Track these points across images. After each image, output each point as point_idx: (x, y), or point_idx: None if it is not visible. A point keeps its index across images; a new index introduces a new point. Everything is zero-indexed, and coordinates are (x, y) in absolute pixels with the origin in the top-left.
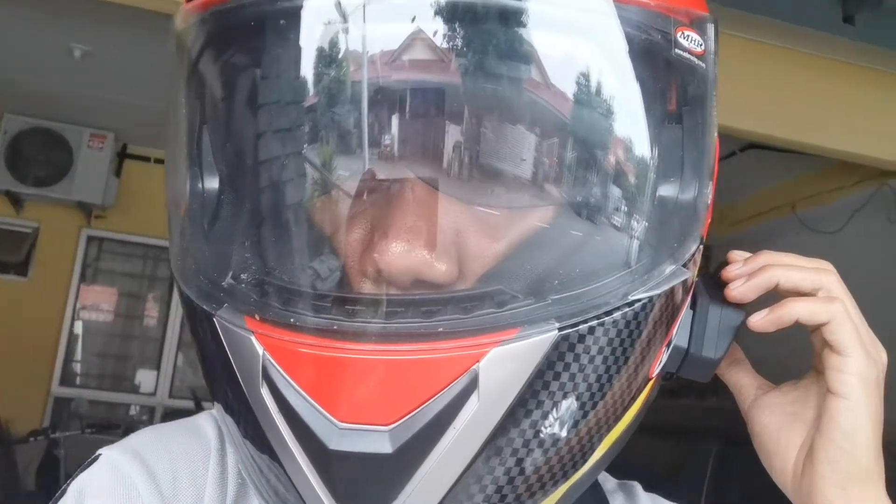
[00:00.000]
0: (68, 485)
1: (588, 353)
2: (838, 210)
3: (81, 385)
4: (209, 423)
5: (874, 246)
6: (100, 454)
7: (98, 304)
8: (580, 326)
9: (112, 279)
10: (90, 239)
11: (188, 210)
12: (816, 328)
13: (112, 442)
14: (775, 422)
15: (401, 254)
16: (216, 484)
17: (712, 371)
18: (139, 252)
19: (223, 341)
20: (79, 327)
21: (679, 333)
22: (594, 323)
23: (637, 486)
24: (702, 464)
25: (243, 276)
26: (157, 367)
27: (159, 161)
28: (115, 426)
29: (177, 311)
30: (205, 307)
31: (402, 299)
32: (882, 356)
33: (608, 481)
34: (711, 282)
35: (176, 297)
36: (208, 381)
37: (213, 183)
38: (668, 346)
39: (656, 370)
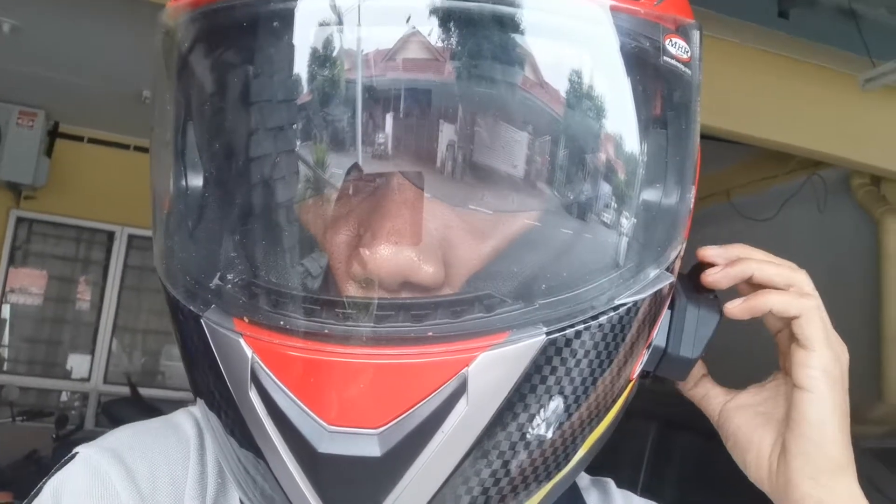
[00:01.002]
0: (44, 483)
1: (575, 356)
2: (771, 198)
3: (10, 371)
4: (188, 421)
5: (804, 233)
6: (76, 452)
7: (27, 287)
8: (567, 331)
9: (42, 262)
10: (19, 220)
11: (174, 208)
12: (784, 327)
13: (44, 430)
14: (746, 423)
15: (388, 256)
16: (196, 483)
17: (689, 370)
18: (71, 234)
19: (210, 343)
20: (6, 311)
21: (657, 334)
22: (581, 327)
23: (610, 483)
24: (640, 447)
25: (230, 277)
26: (91, 353)
27: (93, 141)
28: (48, 413)
29: (111, 295)
30: (192, 308)
31: (392, 303)
32: (845, 354)
33: (582, 478)
34: (688, 281)
35: (111, 280)
36: (193, 380)
37: (199, 181)
38: (649, 347)
39: (637, 371)
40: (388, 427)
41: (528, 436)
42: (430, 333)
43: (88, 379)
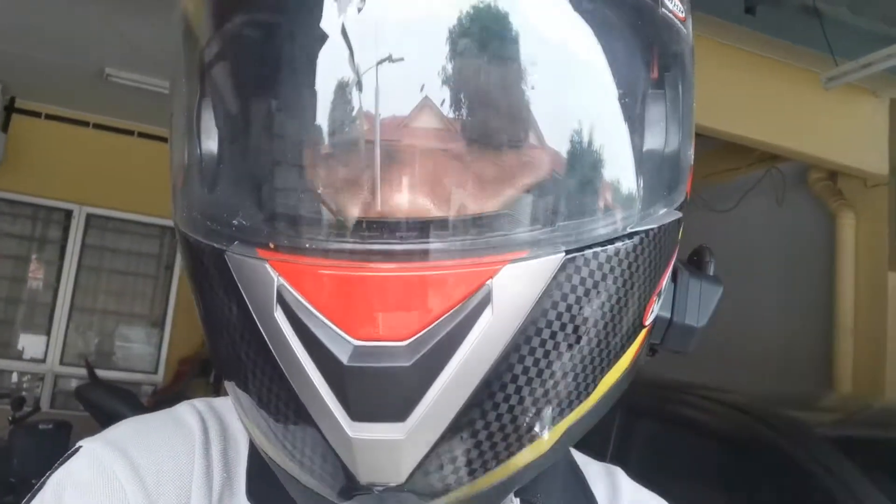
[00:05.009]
0: (47, 478)
1: (592, 277)
2: (731, 190)
3: None
4: (192, 415)
5: (763, 225)
6: (80, 447)
7: None
8: (585, 251)
9: None
10: None
11: (193, 160)
12: None
13: None
14: None
15: (408, 190)
16: (202, 477)
17: (693, 340)
18: (27, 212)
19: (234, 276)
20: None
21: (663, 305)
22: (598, 249)
23: (620, 474)
24: (605, 432)
25: (252, 214)
26: (47, 333)
27: (51, 117)
28: (3, 395)
29: (69, 275)
30: (216, 246)
31: (417, 221)
32: None
33: (591, 464)
34: (690, 263)
35: (69, 260)
36: (210, 322)
37: (219, 132)
38: (659, 296)
39: (648, 319)
40: (415, 338)
41: (550, 354)
42: (456, 248)
43: (44, 360)
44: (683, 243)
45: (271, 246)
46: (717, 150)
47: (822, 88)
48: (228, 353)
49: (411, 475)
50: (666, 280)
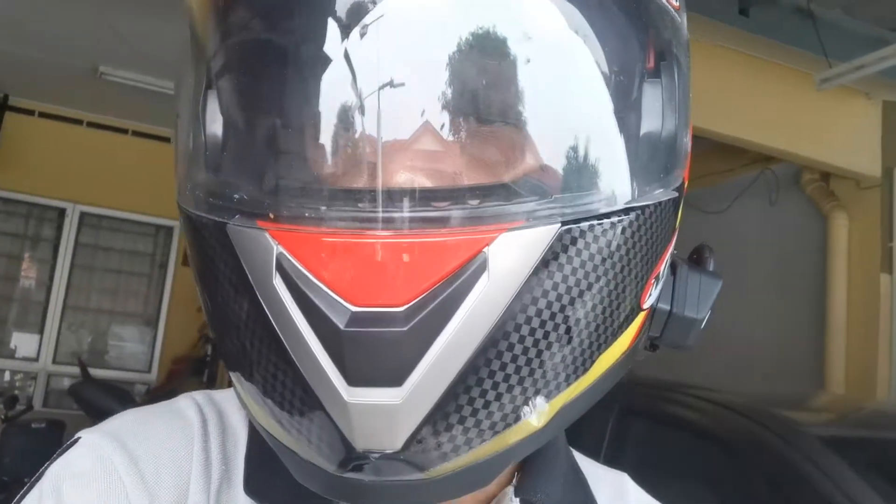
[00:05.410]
0: (45, 468)
1: (588, 249)
2: (724, 191)
3: None
4: (191, 407)
5: (755, 226)
6: (79, 437)
7: None
8: (582, 223)
9: None
10: None
11: (198, 143)
12: None
13: None
14: None
15: (409, 160)
16: (201, 470)
17: (693, 333)
18: (21, 210)
19: (234, 246)
20: None
21: (662, 297)
22: (594, 222)
23: (627, 480)
24: (600, 432)
25: (253, 189)
26: (40, 332)
27: (45, 115)
28: None
29: (62, 273)
30: (217, 219)
31: (416, 190)
32: None
33: (595, 466)
34: (690, 260)
35: (62, 258)
36: (209, 294)
37: (222, 115)
38: (657, 280)
39: (646, 302)
40: (413, 304)
41: (546, 324)
42: (452, 216)
43: (37, 359)
44: (678, 246)
45: (271, 216)
46: (710, 151)
47: (815, 90)
48: (228, 327)
49: (407, 443)
50: (664, 268)
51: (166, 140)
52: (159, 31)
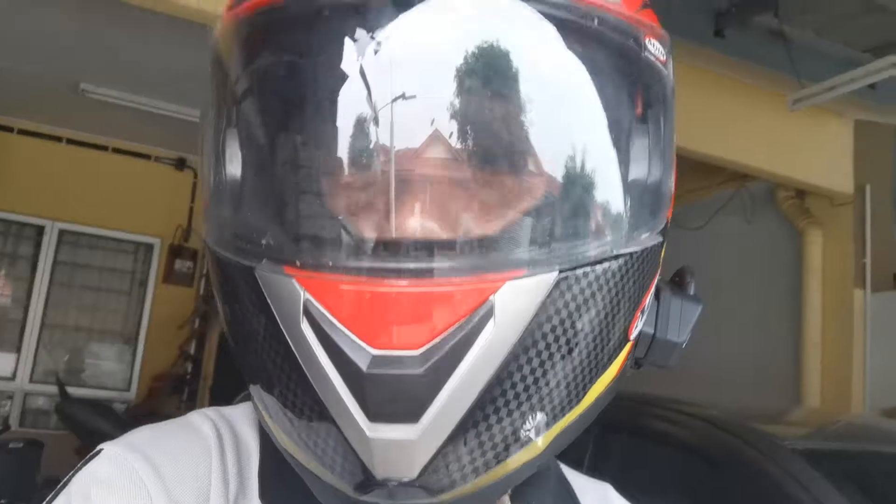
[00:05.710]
0: (69, 478)
1: (583, 293)
2: (702, 209)
3: None
4: (205, 423)
5: (732, 242)
6: (101, 449)
7: None
8: (577, 270)
9: None
10: None
11: (225, 188)
12: None
13: None
14: None
15: (420, 215)
16: (219, 483)
17: (675, 355)
18: None
19: (263, 291)
20: None
21: (647, 321)
22: (588, 269)
23: (610, 489)
24: (582, 447)
25: (279, 236)
26: (17, 351)
27: (24, 132)
28: None
29: (40, 291)
30: (246, 263)
31: (427, 242)
32: None
33: (578, 476)
34: (672, 283)
35: (40, 276)
36: (238, 332)
37: (249, 162)
38: (643, 313)
39: (633, 333)
40: (427, 348)
41: (545, 363)
42: (462, 266)
43: (13, 378)
44: None
45: (298, 264)
46: (687, 169)
47: (787, 110)
48: (256, 360)
49: (422, 472)
50: (649, 298)
51: (147, 157)
52: (141, 49)
